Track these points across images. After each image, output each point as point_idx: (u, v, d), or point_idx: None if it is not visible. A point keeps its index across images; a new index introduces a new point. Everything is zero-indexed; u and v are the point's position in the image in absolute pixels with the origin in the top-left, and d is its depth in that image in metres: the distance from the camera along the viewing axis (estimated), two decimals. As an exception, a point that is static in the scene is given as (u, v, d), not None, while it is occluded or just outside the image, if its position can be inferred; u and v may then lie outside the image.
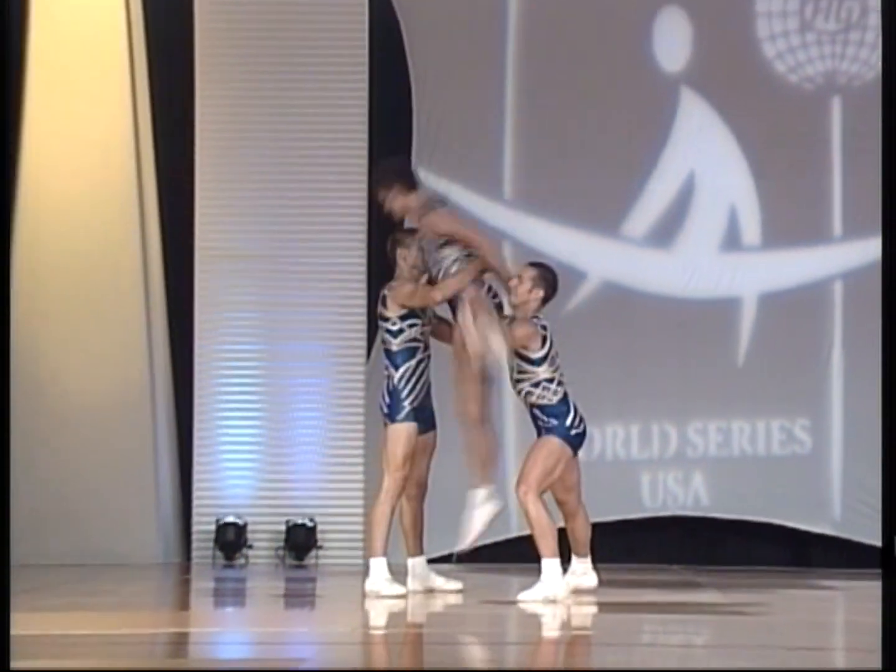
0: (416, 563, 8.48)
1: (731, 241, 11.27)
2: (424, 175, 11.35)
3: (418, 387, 8.47)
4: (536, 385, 8.24)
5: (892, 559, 5.15)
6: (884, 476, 5.58)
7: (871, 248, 11.07)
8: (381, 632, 7.05)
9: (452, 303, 8.49)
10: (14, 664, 5.59)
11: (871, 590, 9.51)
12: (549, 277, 8.44)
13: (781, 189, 11.18)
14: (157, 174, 11.37)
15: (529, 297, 8.35)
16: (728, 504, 11.05)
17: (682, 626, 7.44)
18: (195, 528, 11.20)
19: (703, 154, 11.25)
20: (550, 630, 7.17)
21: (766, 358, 11.10)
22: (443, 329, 8.63)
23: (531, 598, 7.90)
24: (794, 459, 11.08)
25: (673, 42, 11.24)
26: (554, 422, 8.19)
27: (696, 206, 11.28)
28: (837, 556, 10.94)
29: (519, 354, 8.24)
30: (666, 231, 11.28)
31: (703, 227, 11.28)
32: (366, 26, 11.29)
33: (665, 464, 11.10)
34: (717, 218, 11.29)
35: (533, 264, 8.57)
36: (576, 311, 11.24)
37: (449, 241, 8.46)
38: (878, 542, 10.72)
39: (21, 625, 6.92)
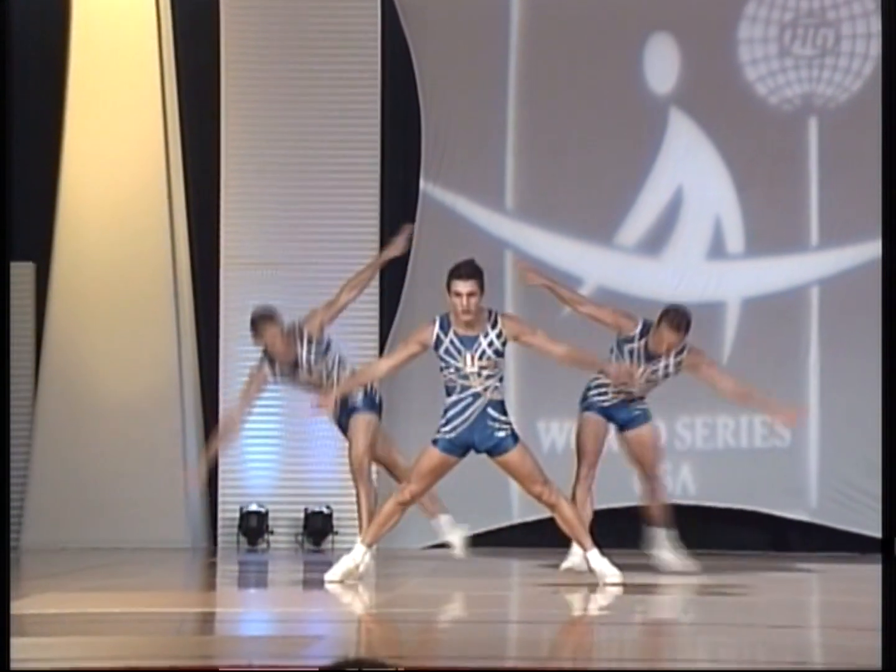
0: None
1: (717, 249, 11.27)
2: (432, 188, 11.39)
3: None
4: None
5: (893, 551, 5.15)
6: (884, 467, 5.58)
7: (845, 256, 11.09)
8: (394, 611, 7.06)
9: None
10: (49, 640, 5.59)
11: (844, 572, 9.52)
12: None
13: (763, 201, 11.18)
14: (185, 189, 11.40)
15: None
16: (713, 493, 11.05)
17: (670, 606, 7.44)
18: (220, 515, 11.21)
19: (691, 169, 11.26)
20: (546, 610, 7.17)
21: (749, 358, 11.09)
22: None
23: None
24: (774, 452, 11.08)
25: (662, 66, 11.25)
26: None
27: (684, 217, 11.28)
28: (814, 541, 10.93)
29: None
30: (656, 240, 11.28)
31: (690, 236, 11.28)
32: (378, 50, 11.30)
33: (655, 456, 11.08)
34: (703, 228, 11.29)
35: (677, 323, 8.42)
36: (572, 314, 11.24)
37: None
38: (852, 528, 10.73)
39: (58, 604, 6.94)
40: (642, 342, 8.50)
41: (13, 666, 4.68)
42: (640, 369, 8.35)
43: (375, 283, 11.31)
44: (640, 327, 8.52)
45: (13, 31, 11.20)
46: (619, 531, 10.13)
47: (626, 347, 8.53)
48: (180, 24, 11.33)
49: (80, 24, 11.15)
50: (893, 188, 4.71)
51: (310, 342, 8.38)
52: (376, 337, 11.26)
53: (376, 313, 11.28)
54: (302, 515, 11.13)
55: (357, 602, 7.43)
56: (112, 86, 11.19)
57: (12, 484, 11.08)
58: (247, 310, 11.28)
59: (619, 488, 10.73)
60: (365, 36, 11.33)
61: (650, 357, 8.40)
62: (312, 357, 8.40)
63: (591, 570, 7.78)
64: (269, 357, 8.41)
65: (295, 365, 8.43)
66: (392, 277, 11.34)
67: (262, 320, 8.46)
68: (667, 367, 8.45)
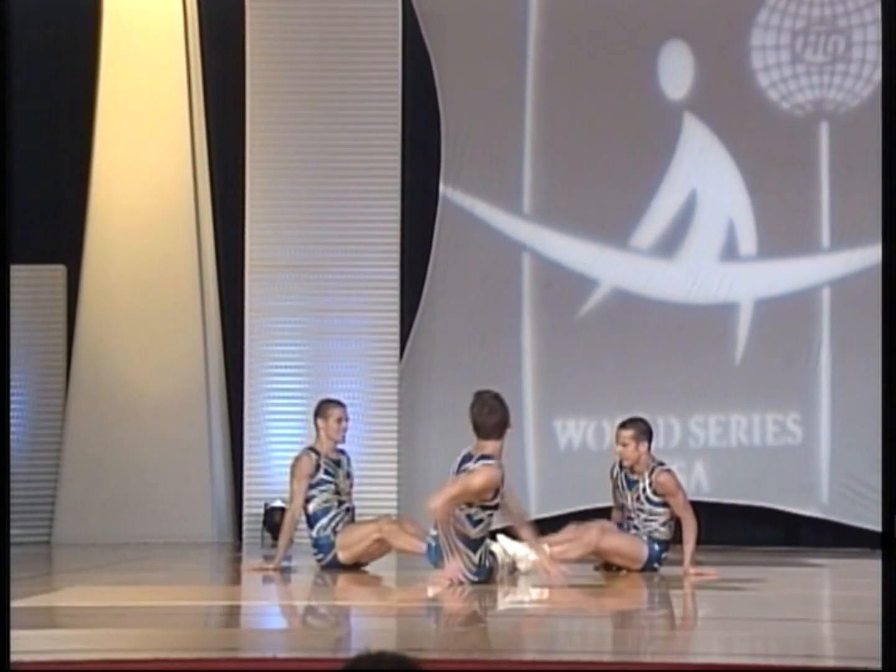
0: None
1: (730, 251, 11.26)
2: (451, 191, 11.40)
3: None
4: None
5: (893, 542, 5.14)
6: (884, 458, 5.58)
7: (855, 258, 11.06)
8: (412, 605, 7.06)
9: None
10: (79, 632, 5.60)
11: (855, 566, 9.50)
12: (643, 427, 8.22)
13: (775, 204, 11.17)
14: (211, 193, 11.43)
15: (640, 453, 8.12)
16: (726, 489, 11.04)
17: (684, 600, 7.43)
18: (245, 511, 11.23)
19: (704, 173, 11.24)
20: (559, 603, 7.17)
21: (761, 358, 11.08)
22: None
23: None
24: (786, 449, 11.06)
25: (676, 72, 11.23)
26: None
27: (697, 220, 11.27)
28: (825, 537, 10.91)
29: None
30: (670, 243, 11.27)
31: (703, 239, 11.26)
32: (399, 62, 11.32)
33: (669, 454, 11.07)
34: (716, 231, 11.28)
35: (625, 423, 8.32)
36: (588, 315, 11.25)
37: None
38: (862, 524, 10.70)
39: (88, 597, 6.97)
40: (623, 468, 8.42)
41: (52, 657, 4.70)
42: (629, 496, 8.29)
43: (395, 285, 11.33)
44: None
45: (45, 41, 11.31)
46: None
47: (615, 475, 8.45)
48: (207, 31, 11.37)
49: (110, 32, 11.19)
50: (894, 192, 4.69)
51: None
52: (396, 342, 11.27)
53: (396, 316, 11.29)
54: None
55: (380, 596, 7.43)
56: (140, 93, 11.23)
57: (45, 481, 11.13)
58: (271, 311, 11.35)
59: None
60: (386, 42, 11.34)
61: (629, 481, 8.33)
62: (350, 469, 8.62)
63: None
64: (314, 450, 8.56)
65: (337, 462, 8.56)
66: (412, 280, 11.36)
67: (334, 403, 8.60)
68: (644, 489, 8.28)
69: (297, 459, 8.59)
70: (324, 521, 8.48)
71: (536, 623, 6.47)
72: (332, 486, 8.46)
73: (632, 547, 8.19)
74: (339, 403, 8.74)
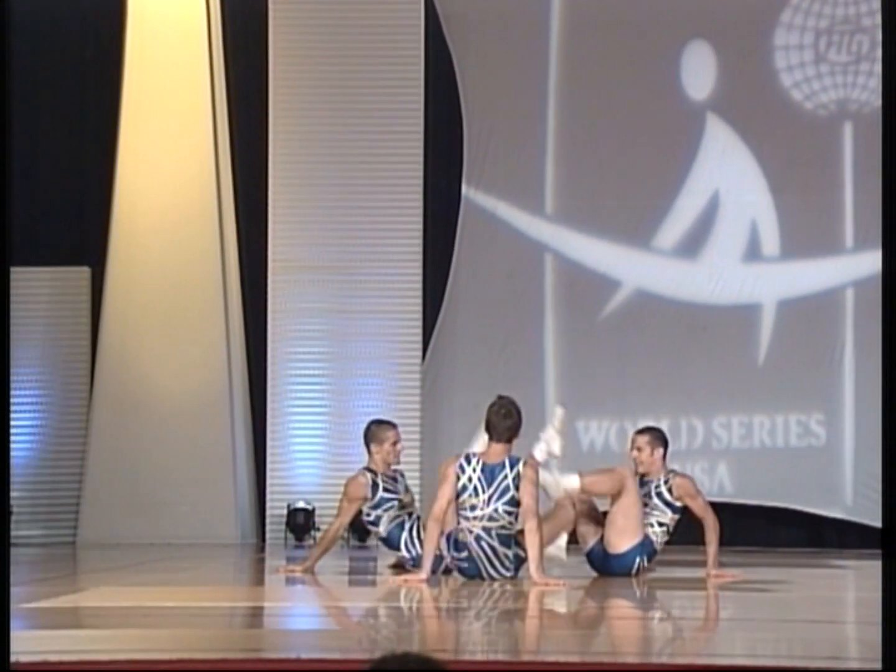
0: None
1: (753, 252, 11.24)
2: (474, 192, 11.41)
3: None
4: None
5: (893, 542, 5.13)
6: (884, 458, 5.58)
7: (880, 259, 10.99)
8: (436, 606, 7.06)
9: None
10: (104, 633, 5.63)
11: (879, 569, 9.46)
12: (659, 434, 8.18)
13: (798, 205, 11.14)
14: (234, 195, 11.46)
15: (654, 459, 8.09)
16: (750, 491, 11.02)
17: (708, 601, 7.42)
18: (269, 512, 11.26)
19: (727, 173, 11.23)
20: (586, 605, 7.16)
21: (785, 359, 11.06)
22: None
23: None
24: (809, 450, 11.03)
25: (699, 72, 11.22)
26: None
27: (720, 221, 11.25)
28: (849, 538, 10.89)
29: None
30: (693, 243, 11.25)
31: (727, 239, 11.25)
32: (422, 64, 11.33)
33: (692, 455, 11.07)
34: (739, 231, 11.26)
35: (641, 430, 8.29)
36: (611, 316, 11.25)
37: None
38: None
39: (113, 597, 6.99)
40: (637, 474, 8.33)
41: (78, 657, 4.72)
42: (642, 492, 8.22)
43: (418, 287, 11.34)
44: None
45: (71, 45, 11.35)
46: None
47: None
48: (230, 32, 11.40)
49: (135, 34, 11.23)
50: (894, 196, 4.68)
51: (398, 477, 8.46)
52: (419, 343, 11.28)
53: (419, 318, 11.30)
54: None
55: (403, 597, 7.44)
56: (164, 94, 11.27)
57: (70, 482, 11.17)
58: (293, 312, 11.38)
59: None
60: (408, 44, 11.35)
61: (642, 482, 8.27)
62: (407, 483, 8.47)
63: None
64: (370, 470, 8.36)
65: (394, 479, 8.40)
66: (434, 281, 11.37)
67: (390, 425, 8.42)
68: (657, 486, 8.20)
69: (351, 479, 8.36)
70: (405, 535, 8.31)
71: (562, 624, 6.47)
72: (395, 503, 8.30)
73: (635, 520, 8.05)
74: (391, 425, 8.42)
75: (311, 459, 11.32)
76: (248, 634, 5.90)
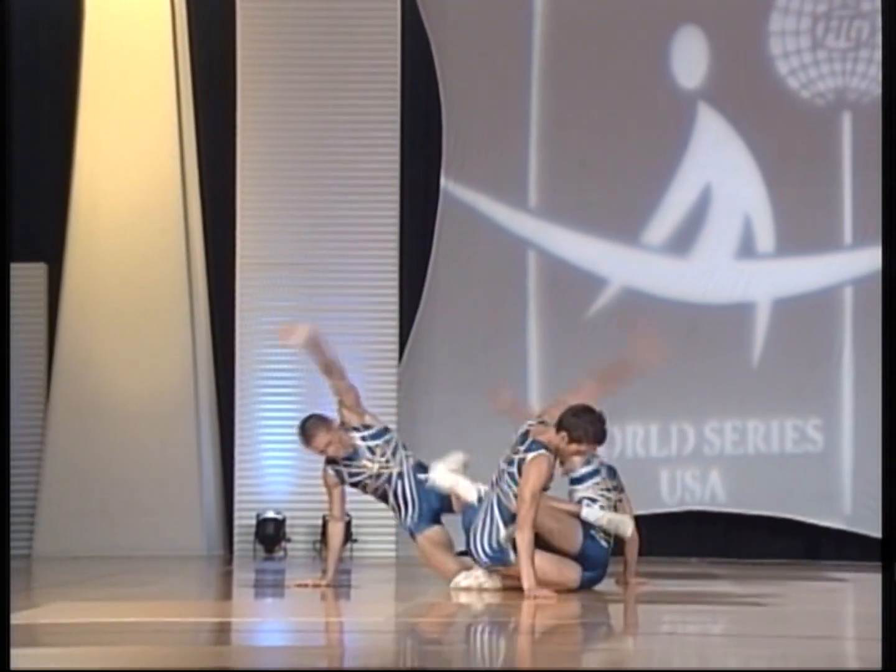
0: None
1: (746, 248, 11.25)
2: (453, 186, 11.39)
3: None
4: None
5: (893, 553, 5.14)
6: (884, 467, 5.58)
7: (879, 256, 11.02)
8: (413, 621, 7.05)
9: None
10: (61, 651, 5.60)
11: (880, 582, 9.48)
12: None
13: (794, 199, 11.16)
14: (201, 189, 11.43)
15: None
16: (743, 500, 11.03)
17: (699, 616, 7.42)
18: (237, 522, 11.23)
19: (719, 166, 11.23)
20: (573, 618, 7.16)
21: (780, 360, 11.07)
22: None
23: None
24: (806, 457, 11.05)
25: (690, 59, 11.23)
26: None
27: (712, 216, 11.26)
28: (848, 550, 10.90)
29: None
30: (684, 239, 11.26)
31: (719, 235, 11.26)
32: (398, 49, 11.31)
33: (683, 461, 11.08)
34: (732, 227, 11.27)
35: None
36: (598, 315, 11.24)
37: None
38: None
39: (70, 613, 6.95)
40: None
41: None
42: None
43: (394, 285, 11.32)
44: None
45: (26, 30, 11.29)
46: (646, 538, 10.09)
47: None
48: (196, 20, 11.36)
49: (93, 22, 11.19)
50: (894, 193, 4.68)
51: (357, 429, 8.31)
52: (395, 344, 11.26)
53: (395, 317, 11.28)
54: (320, 522, 11.13)
55: (375, 611, 7.42)
56: (126, 85, 11.23)
57: (24, 490, 11.12)
58: (263, 311, 11.34)
59: (642, 498, 10.71)
60: (384, 31, 11.33)
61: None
62: (370, 442, 8.31)
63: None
64: (329, 460, 8.31)
65: (351, 458, 8.32)
66: (411, 279, 11.35)
67: (312, 428, 8.34)
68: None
69: (323, 475, 8.38)
70: (392, 502, 8.26)
71: (538, 639, 6.46)
72: (366, 481, 8.27)
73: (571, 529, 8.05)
74: (307, 434, 8.24)
75: (282, 467, 11.29)
76: (215, 651, 5.87)
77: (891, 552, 5.19)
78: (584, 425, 7.62)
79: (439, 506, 8.23)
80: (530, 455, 7.62)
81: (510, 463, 7.66)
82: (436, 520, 8.28)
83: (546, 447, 7.61)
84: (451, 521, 8.30)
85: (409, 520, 8.25)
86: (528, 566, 7.49)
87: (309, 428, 8.30)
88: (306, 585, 8.23)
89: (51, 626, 6.53)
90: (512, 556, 7.67)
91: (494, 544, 7.72)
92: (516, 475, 7.63)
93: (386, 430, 8.35)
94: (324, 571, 8.40)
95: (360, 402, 8.37)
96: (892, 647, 4.58)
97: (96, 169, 11.24)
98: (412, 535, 8.29)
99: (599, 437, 7.68)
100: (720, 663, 5.54)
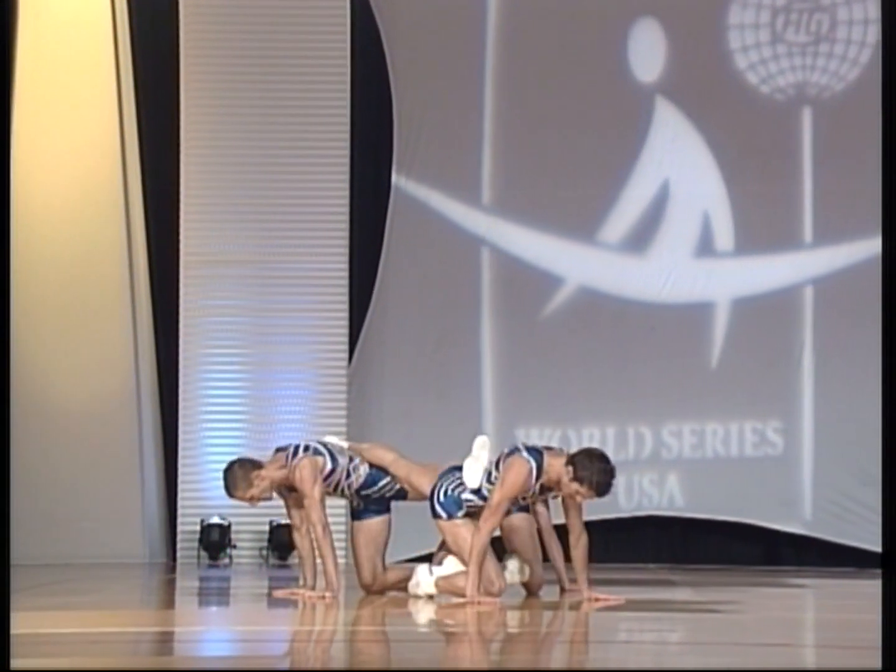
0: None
1: (705, 247, 11.28)
2: (405, 182, 11.38)
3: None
4: None
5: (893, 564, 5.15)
6: (884, 477, 5.60)
7: (840, 255, 11.11)
8: (362, 629, 7.04)
9: None
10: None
11: (841, 587, 9.53)
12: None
13: (753, 196, 11.21)
14: (142, 183, 11.36)
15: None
16: (702, 504, 11.06)
17: (656, 624, 7.43)
18: (180, 528, 11.18)
19: (678, 162, 11.27)
20: (527, 627, 7.16)
21: (739, 361, 11.12)
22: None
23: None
24: (766, 460, 11.10)
25: (648, 53, 11.26)
26: None
27: (670, 213, 11.29)
28: (808, 555, 10.96)
29: None
30: (641, 237, 11.29)
31: (677, 233, 11.29)
32: (348, 39, 11.29)
33: (640, 465, 11.11)
34: (691, 224, 11.31)
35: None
36: (553, 315, 11.26)
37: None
38: (849, 542, 10.74)
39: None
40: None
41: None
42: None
43: (344, 283, 11.30)
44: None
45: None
46: (603, 544, 10.12)
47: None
48: (137, 12, 11.28)
49: (30, 12, 11.10)
50: (894, 182, 4.70)
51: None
52: (345, 344, 11.24)
53: (345, 316, 11.26)
54: (267, 528, 11.10)
55: (322, 619, 7.41)
56: (63, 78, 11.16)
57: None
58: (208, 310, 11.30)
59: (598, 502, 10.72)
60: (333, 22, 11.31)
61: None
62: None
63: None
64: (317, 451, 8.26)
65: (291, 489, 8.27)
66: (361, 277, 11.33)
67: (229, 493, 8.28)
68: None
69: (302, 466, 8.25)
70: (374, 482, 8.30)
71: (491, 649, 6.46)
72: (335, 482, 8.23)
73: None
74: (232, 486, 8.22)
75: (227, 471, 11.23)
76: (157, 662, 5.84)
77: (891, 561, 5.20)
78: (593, 470, 7.53)
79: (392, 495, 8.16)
80: (513, 456, 7.56)
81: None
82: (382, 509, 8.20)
83: (540, 460, 7.53)
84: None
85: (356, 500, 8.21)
86: (476, 571, 7.47)
87: (228, 483, 8.24)
88: (321, 598, 8.03)
89: (-15, 637, 6.47)
90: (459, 514, 7.61)
91: (455, 494, 7.64)
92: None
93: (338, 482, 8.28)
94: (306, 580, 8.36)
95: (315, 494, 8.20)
96: (892, 650, 4.59)
97: (33, 166, 11.15)
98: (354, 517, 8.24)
99: (602, 489, 7.56)
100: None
